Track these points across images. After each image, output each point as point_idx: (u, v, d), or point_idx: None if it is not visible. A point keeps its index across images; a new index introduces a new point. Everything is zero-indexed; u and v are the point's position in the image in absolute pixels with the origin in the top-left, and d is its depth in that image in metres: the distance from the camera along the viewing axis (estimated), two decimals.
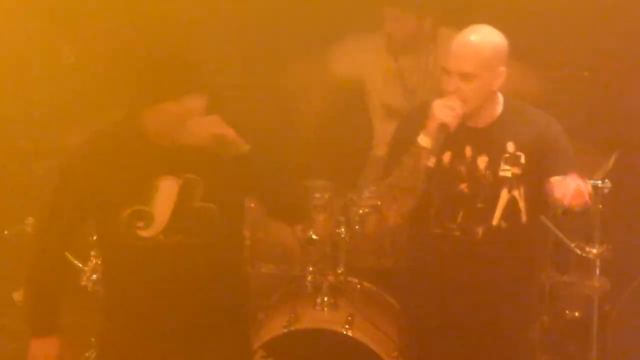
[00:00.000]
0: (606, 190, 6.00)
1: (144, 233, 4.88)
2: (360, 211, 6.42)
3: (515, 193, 5.29)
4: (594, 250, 6.05)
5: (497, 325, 5.44)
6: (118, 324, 5.18)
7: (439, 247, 5.38)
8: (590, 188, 5.37)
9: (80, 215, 5.12)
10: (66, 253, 5.98)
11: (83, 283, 6.39)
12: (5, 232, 6.81)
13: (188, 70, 4.91)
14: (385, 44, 7.09)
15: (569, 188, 5.13)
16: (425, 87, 6.77)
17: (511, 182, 5.29)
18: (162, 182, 4.88)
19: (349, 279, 6.38)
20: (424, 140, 5.19)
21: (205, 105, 4.81)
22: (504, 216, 5.29)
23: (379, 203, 5.86)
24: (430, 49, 6.85)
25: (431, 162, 5.27)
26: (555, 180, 5.21)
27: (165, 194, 4.89)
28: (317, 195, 6.55)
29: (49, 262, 5.19)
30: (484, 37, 5.28)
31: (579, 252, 6.13)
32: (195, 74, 4.91)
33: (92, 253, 6.29)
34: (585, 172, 5.56)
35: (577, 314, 6.74)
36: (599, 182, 5.99)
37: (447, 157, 5.29)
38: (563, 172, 5.21)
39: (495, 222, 5.27)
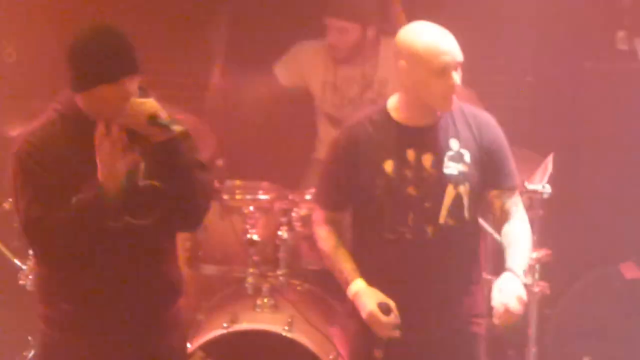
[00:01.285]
0: (546, 195, 6.05)
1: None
2: (302, 213, 6.39)
3: (461, 189, 5.21)
4: (533, 255, 5.97)
5: (445, 321, 5.35)
6: (67, 313, 4.99)
7: (392, 252, 5.28)
8: (525, 296, 5.28)
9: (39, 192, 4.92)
10: (6, 251, 6.34)
11: (21, 282, 6.43)
12: None
13: (126, 53, 4.82)
14: (328, 55, 7.13)
15: (506, 302, 5.13)
16: (364, 97, 6.79)
17: (457, 179, 5.22)
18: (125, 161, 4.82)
19: (290, 280, 6.40)
20: None
21: (140, 88, 4.83)
22: (449, 213, 5.22)
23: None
24: (373, 59, 6.86)
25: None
26: (496, 286, 5.19)
27: (108, 168, 4.83)
28: (260, 196, 6.54)
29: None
30: (436, 29, 5.19)
31: None
32: (132, 57, 4.80)
33: (31, 252, 6.04)
34: (526, 177, 6.05)
35: None
36: (540, 186, 6.03)
37: (389, 166, 5.22)
38: (508, 182, 5.30)
39: (442, 220, 5.21)
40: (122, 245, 4.82)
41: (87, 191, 4.72)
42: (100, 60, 4.72)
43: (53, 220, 4.77)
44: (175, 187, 4.86)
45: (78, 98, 4.76)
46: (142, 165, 4.78)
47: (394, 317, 5.15)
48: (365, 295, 5.22)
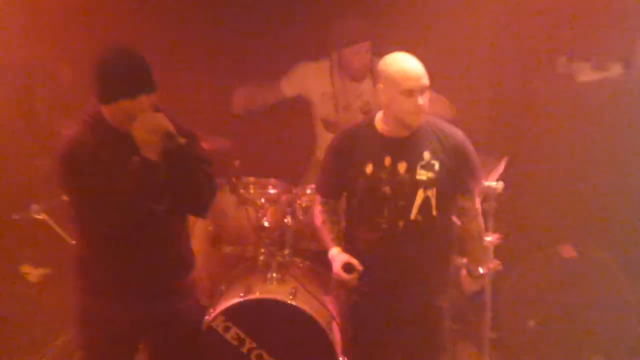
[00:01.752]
0: (499, 190, 6.16)
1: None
2: (304, 204, 6.57)
3: (429, 193, 5.37)
4: (489, 238, 6.12)
5: (415, 296, 5.53)
6: (98, 281, 5.22)
7: (371, 237, 5.49)
8: (485, 279, 5.86)
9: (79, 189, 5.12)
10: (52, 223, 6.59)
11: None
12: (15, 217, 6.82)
13: (143, 74, 4.98)
14: (334, 72, 7.09)
15: (472, 287, 5.72)
16: (354, 106, 6.82)
17: (426, 184, 5.37)
18: (133, 158, 4.96)
19: (294, 258, 6.53)
20: None
21: (153, 103, 4.94)
22: (419, 211, 5.38)
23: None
24: (367, 76, 6.84)
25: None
26: (464, 274, 5.69)
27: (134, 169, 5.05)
28: (269, 190, 6.66)
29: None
30: (408, 59, 5.37)
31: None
32: (148, 77, 4.96)
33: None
34: (484, 176, 5.94)
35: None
36: (494, 183, 6.13)
37: (369, 168, 5.41)
38: (471, 189, 5.55)
39: (412, 216, 5.37)
40: (144, 227, 5.01)
41: (124, 176, 4.87)
42: (122, 78, 4.90)
43: (98, 205, 4.92)
44: (184, 181, 5.05)
45: (103, 110, 4.95)
46: (161, 164, 4.94)
47: (355, 274, 5.39)
48: (336, 259, 5.46)
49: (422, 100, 5.29)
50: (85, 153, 5.01)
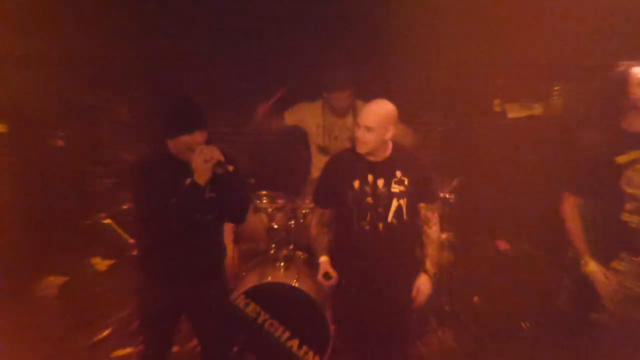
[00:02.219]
0: (452, 201, 6.69)
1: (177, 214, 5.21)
2: (303, 211, 6.76)
3: (401, 202, 5.58)
4: (443, 236, 6.50)
5: (389, 279, 5.68)
6: (151, 269, 5.48)
7: (357, 238, 5.65)
8: (429, 288, 5.76)
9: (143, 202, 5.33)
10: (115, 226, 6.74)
11: (134, 253, 6.61)
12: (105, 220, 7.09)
13: (198, 115, 5.18)
14: (326, 110, 7.13)
15: (420, 294, 5.70)
16: (343, 136, 6.87)
17: (399, 195, 5.58)
18: (187, 181, 5.16)
19: (296, 252, 6.73)
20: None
21: (206, 138, 5.17)
22: (394, 216, 5.57)
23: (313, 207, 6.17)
24: (349, 114, 6.90)
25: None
26: (416, 285, 5.69)
27: None
28: (278, 201, 6.84)
29: None
30: (381, 106, 5.53)
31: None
32: (202, 118, 5.17)
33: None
34: (441, 190, 6.47)
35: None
36: (447, 195, 6.68)
37: (357, 183, 5.57)
38: (431, 199, 5.73)
39: (389, 220, 5.58)
40: (190, 229, 5.23)
41: (179, 194, 5.09)
42: (182, 119, 5.18)
43: (155, 214, 5.16)
44: (230, 199, 5.32)
45: (168, 143, 5.22)
46: (208, 185, 5.16)
47: (332, 281, 5.62)
48: (321, 267, 5.69)
49: (364, 134, 5.48)
50: (151, 172, 5.24)
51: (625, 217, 5.35)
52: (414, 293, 5.74)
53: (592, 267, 5.37)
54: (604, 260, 5.46)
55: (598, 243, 5.46)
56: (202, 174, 5.10)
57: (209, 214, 5.28)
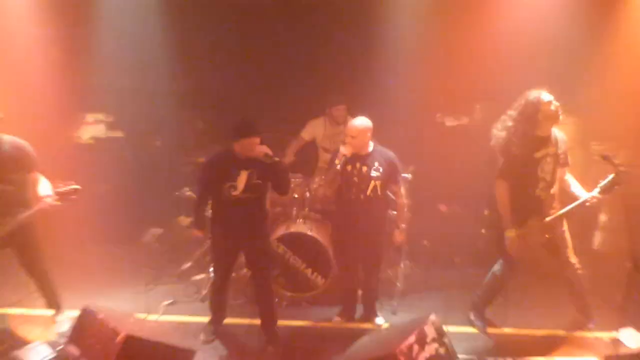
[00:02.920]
0: (410, 179, 6.69)
1: (234, 193, 5.45)
2: (313, 186, 6.96)
3: (377, 183, 5.78)
4: (406, 202, 6.16)
5: (371, 233, 5.90)
6: (217, 230, 5.67)
7: (347, 203, 5.84)
8: (400, 234, 6.02)
9: (207, 187, 5.61)
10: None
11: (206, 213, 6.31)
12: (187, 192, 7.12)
13: (254, 126, 5.34)
14: (327, 123, 7.25)
15: (398, 238, 6.05)
16: (338, 141, 6.52)
17: (375, 178, 5.76)
18: (241, 172, 5.41)
19: (310, 213, 6.90)
20: (338, 163, 5.72)
21: (260, 140, 5.34)
22: (371, 191, 5.76)
23: (322, 184, 6.63)
24: (344, 124, 6.62)
25: (339, 168, 5.71)
26: (396, 231, 5.99)
27: (242, 177, 5.43)
28: (297, 179, 6.95)
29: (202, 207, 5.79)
30: (361, 122, 5.72)
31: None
32: (257, 127, 5.33)
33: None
34: (403, 172, 6.26)
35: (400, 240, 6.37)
36: (407, 175, 6.69)
37: (349, 168, 5.76)
38: (398, 181, 5.83)
39: (368, 193, 5.77)
40: (240, 202, 5.43)
41: (238, 180, 5.31)
42: (243, 128, 5.34)
43: (219, 190, 5.34)
44: (277, 180, 5.51)
45: (234, 144, 5.36)
46: (255, 174, 5.39)
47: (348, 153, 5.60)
48: (339, 151, 5.68)
49: (350, 141, 5.65)
50: (219, 164, 5.46)
51: (537, 192, 5.64)
52: (393, 239, 5.98)
53: (511, 233, 5.60)
54: (520, 222, 5.63)
55: (518, 210, 5.62)
56: (255, 166, 5.35)
57: (257, 193, 5.51)
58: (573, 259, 5.77)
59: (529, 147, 5.53)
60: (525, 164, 5.54)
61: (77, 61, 7.09)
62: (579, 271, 5.79)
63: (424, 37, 7.17)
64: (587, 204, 5.49)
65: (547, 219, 5.62)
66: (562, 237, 5.72)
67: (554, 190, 5.66)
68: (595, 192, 5.44)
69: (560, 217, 5.66)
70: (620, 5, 7.06)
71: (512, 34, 6.99)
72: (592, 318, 5.93)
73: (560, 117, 5.48)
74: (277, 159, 5.36)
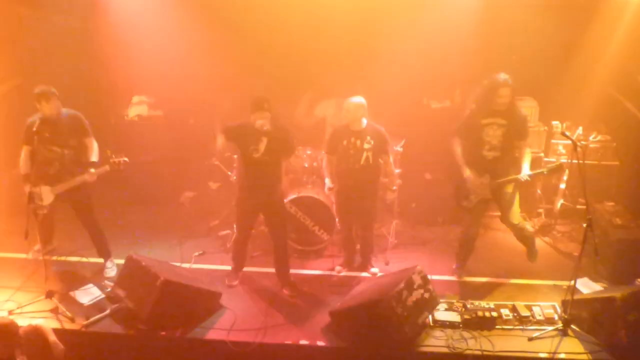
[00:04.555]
0: (401, 151, 6.56)
1: (255, 155, 5.43)
2: (320, 158, 6.64)
3: (369, 154, 5.70)
4: (397, 170, 6.40)
5: (365, 196, 5.86)
6: (243, 188, 5.64)
7: (345, 171, 5.80)
8: (392, 194, 6.13)
9: (231, 129, 5.43)
10: (221, 166, 6.66)
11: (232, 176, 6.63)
12: (215, 162, 6.91)
13: (264, 102, 5.23)
14: (336, 104, 6.96)
15: (390, 196, 6.17)
16: (340, 118, 6.02)
17: (367, 149, 5.68)
18: (262, 137, 5.37)
19: (316, 179, 6.72)
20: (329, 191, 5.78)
21: (270, 116, 5.24)
22: (364, 161, 5.71)
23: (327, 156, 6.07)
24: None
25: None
26: (388, 192, 6.04)
27: (263, 142, 5.41)
28: (307, 151, 6.86)
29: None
30: (357, 99, 5.66)
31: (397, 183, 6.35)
32: (267, 103, 5.24)
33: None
34: (395, 145, 6.37)
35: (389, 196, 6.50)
36: (398, 148, 6.63)
37: (346, 142, 5.70)
38: (387, 152, 5.75)
39: (361, 162, 5.72)
40: (261, 164, 5.40)
41: (253, 144, 5.24)
42: (257, 104, 5.28)
43: (242, 155, 5.38)
44: (283, 144, 5.46)
45: (250, 116, 5.32)
46: (266, 140, 5.36)
47: (333, 190, 5.76)
48: (326, 184, 5.79)
49: (346, 116, 5.61)
50: (239, 129, 5.40)
51: (484, 152, 5.71)
52: (385, 199, 6.12)
53: (468, 172, 5.72)
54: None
55: (471, 165, 5.74)
56: (266, 134, 5.28)
57: (274, 157, 5.48)
58: (515, 220, 5.78)
59: (479, 115, 5.64)
60: (472, 127, 5.66)
61: (126, 52, 7.11)
62: (524, 231, 5.88)
63: (421, 37, 6.95)
64: (523, 179, 5.55)
65: (492, 182, 5.68)
66: (504, 198, 5.72)
67: (509, 158, 5.67)
68: (526, 175, 5.53)
69: (502, 183, 5.68)
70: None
71: (488, 34, 6.97)
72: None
73: (510, 95, 5.52)
74: (284, 129, 5.37)
